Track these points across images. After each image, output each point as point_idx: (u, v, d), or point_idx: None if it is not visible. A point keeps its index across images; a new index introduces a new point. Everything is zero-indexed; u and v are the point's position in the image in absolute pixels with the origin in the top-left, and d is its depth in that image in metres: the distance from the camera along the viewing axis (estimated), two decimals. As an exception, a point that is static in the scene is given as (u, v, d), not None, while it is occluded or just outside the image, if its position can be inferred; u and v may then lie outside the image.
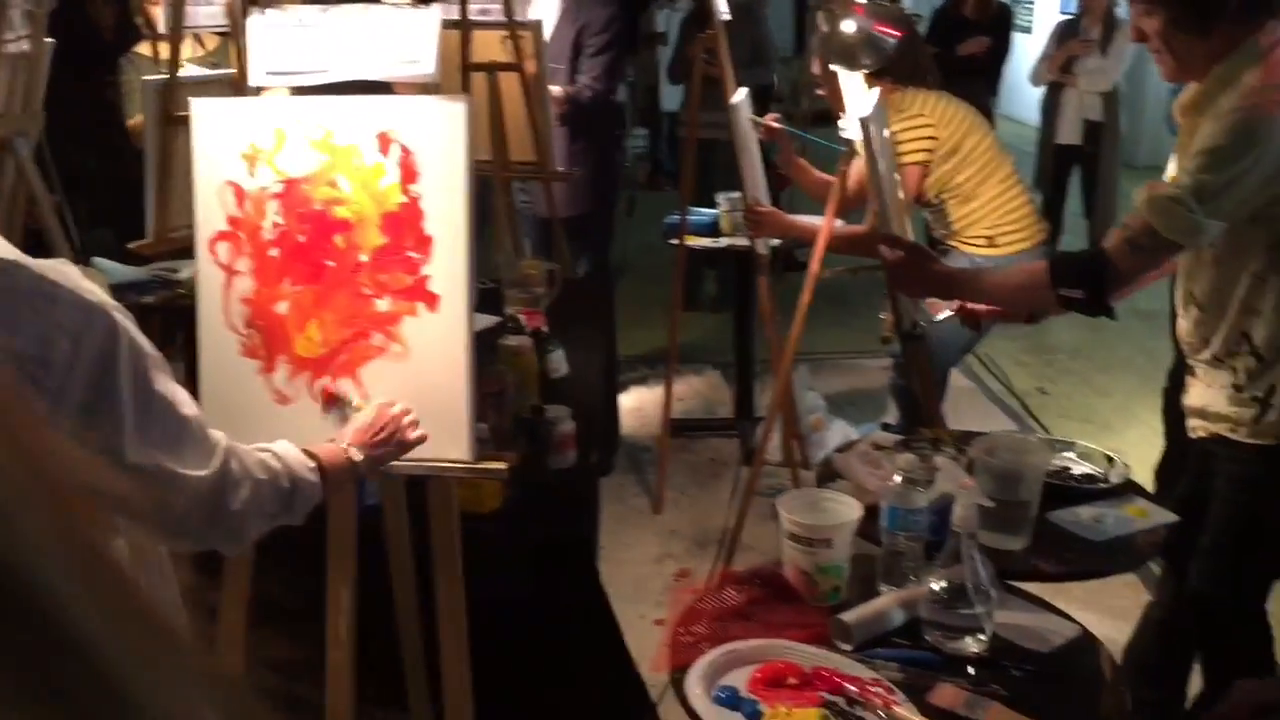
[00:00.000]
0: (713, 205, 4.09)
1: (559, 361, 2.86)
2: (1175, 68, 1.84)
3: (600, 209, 4.53)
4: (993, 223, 3.04)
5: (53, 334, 1.01)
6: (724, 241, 3.86)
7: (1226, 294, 1.86)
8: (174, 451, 1.14)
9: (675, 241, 3.70)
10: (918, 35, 3.39)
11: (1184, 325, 1.98)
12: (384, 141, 1.63)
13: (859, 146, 2.19)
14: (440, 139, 1.61)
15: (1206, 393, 1.95)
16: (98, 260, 3.40)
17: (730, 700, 1.40)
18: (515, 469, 2.13)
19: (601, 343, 3.30)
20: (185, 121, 1.71)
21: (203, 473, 1.17)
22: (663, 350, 4.80)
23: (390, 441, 1.54)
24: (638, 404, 4.49)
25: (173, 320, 2.98)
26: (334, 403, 1.68)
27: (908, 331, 2.22)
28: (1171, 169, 1.90)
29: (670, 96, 6.85)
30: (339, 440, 1.49)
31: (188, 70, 3.30)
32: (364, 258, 1.65)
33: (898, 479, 1.65)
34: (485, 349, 2.66)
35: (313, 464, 1.35)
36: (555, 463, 2.28)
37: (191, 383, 1.71)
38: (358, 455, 1.47)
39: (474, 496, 2.07)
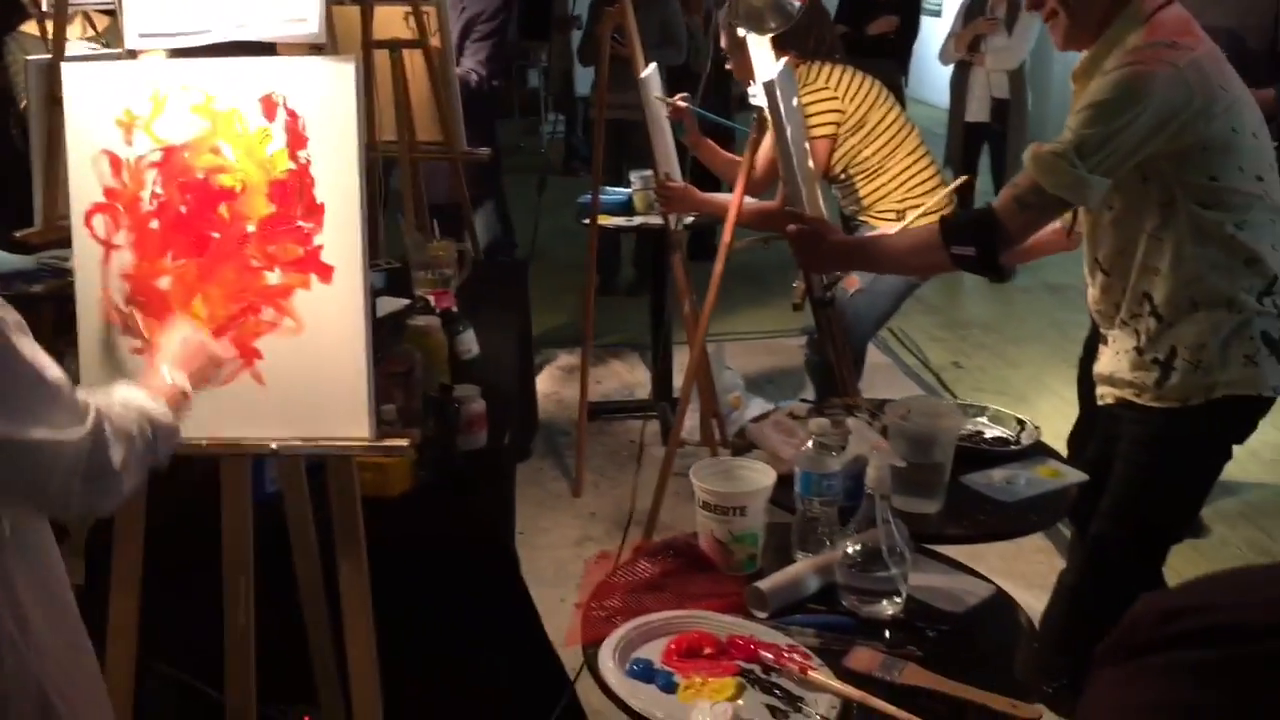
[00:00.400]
0: (626, 185, 4.05)
1: (470, 342, 2.79)
2: (1068, 30, 1.85)
3: (488, 195, 4.52)
4: (901, 196, 3.06)
5: None
6: (637, 220, 3.82)
7: (1127, 256, 1.88)
8: (43, 419, 1.11)
9: (588, 222, 3.65)
10: (823, 9, 3.39)
11: (1093, 294, 2.00)
12: (268, 105, 1.55)
13: (767, 113, 2.17)
14: (329, 101, 1.54)
15: (1114, 359, 1.96)
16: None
17: (644, 672, 1.36)
18: (424, 450, 2.08)
19: (515, 325, 3.24)
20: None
21: (77, 436, 1.15)
22: (579, 334, 4.76)
23: (199, 355, 1.50)
24: (554, 388, 4.44)
25: (64, 310, 2.83)
26: None
27: (819, 298, 2.21)
28: None
29: (584, 81, 6.79)
30: (154, 364, 1.45)
31: (75, 49, 3.14)
32: (251, 228, 1.57)
33: (811, 444, 1.63)
34: (393, 330, 2.59)
35: (162, 405, 1.34)
36: (466, 444, 2.21)
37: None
38: (182, 380, 1.44)
39: (380, 480, 2.00)
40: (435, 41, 3.49)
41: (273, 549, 1.76)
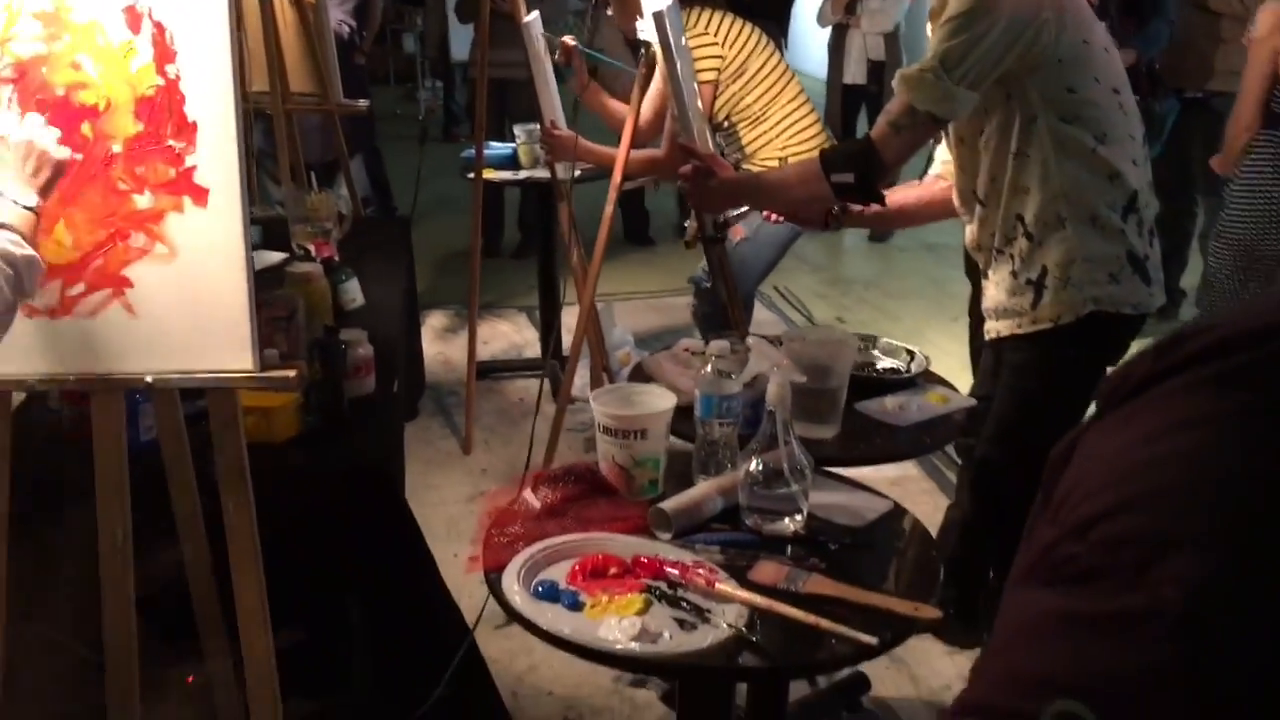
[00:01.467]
0: (511, 141, 3.98)
1: (354, 292, 2.70)
2: None
3: (359, 150, 4.43)
4: (783, 144, 3.08)
5: None
6: (523, 174, 3.76)
7: (999, 181, 1.93)
8: None
9: (472, 177, 3.57)
10: None
11: (971, 231, 2.05)
12: (133, 16, 1.45)
13: (656, 47, 2.14)
14: (199, 13, 1.45)
15: (995, 292, 2.02)
16: None
17: (549, 593, 1.33)
18: (310, 394, 2.00)
19: (400, 280, 3.15)
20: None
21: None
22: (463, 295, 4.67)
23: (43, 166, 1.40)
24: (440, 349, 4.35)
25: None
26: None
27: (711, 236, 2.21)
28: None
29: (462, 43, 6.63)
30: (7, 195, 1.37)
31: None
32: (116, 148, 1.48)
33: (709, 368, 1.62)
34: (272, 282, 2.49)
35: (16, 237, 1.30)
36: (353, 390, 2.14)
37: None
38: (32, 200, 1.38)
39: (265, 425, 1.92)
40: (308, -10, 3.36)
41: (151, 502, 1.67)
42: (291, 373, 1.55)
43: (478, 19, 3.47)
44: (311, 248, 2.75)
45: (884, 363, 2.11)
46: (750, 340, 1.77)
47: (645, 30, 2.20)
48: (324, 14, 3.51)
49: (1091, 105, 1.86)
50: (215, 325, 1.52)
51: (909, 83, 1.81)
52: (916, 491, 3.20)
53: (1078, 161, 1.86)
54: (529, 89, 3.33)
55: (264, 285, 2.40)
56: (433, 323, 4.58)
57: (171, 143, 1.48)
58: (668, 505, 1.50)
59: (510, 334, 4.58)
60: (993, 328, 2.06)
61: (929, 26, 1.95)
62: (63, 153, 1.42)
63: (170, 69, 1.46)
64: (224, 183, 1.49)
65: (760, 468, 1.50)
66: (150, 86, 1.46)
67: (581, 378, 3.66)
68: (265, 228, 3.09)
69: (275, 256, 2.90)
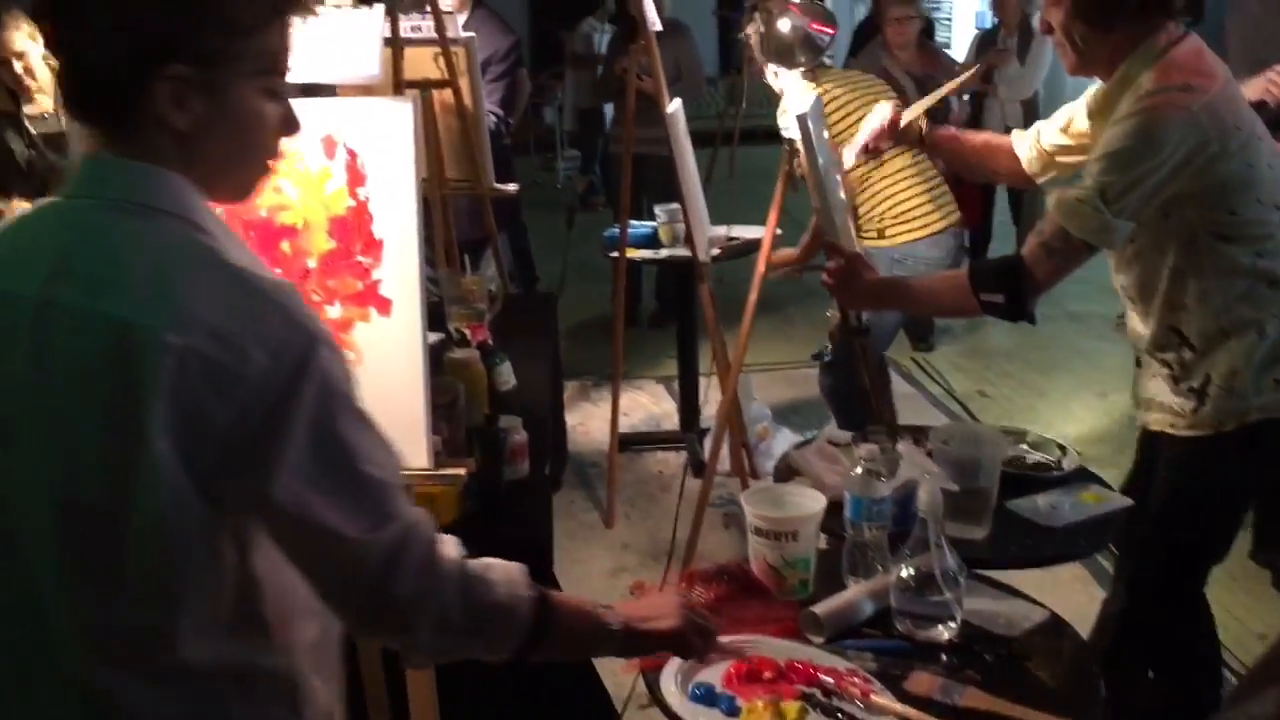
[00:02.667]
0: (648, 219, 4.09)
1: (507, 374, 2.81)
2: (1076, 61, 1.88)
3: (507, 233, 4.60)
4: (880, 214, 3.11)
5: (253, 346, 0.96)
6: (664, 252, 3.86)
7: (1151, 289, 1.91)
8: (336, 506, 1.00)
9: (615, 255, 3.69)
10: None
11: (1126, 312, 2.03)
12: (329, 145, 1.59)
13: (799, 145, 2.21)
14: (387, 140, 1.58)
15: (1150, 384, 1.99)
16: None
17: (706, 696, 1.37)
18: (470, 480, 2.11)
19: (546, 356, 3.27)
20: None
21: (368, 537, 1.02)
22: (605, 366, 4.78)
23: (657, 625, 1.32)
24: (582, 420, 4.46)
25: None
26: None
27: (854, 327, 2.24)
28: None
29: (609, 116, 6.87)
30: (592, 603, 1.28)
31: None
32: (312, 264, 1.61)
33: (859, 469, 1.65)
34: (431, 363, 2.62)
35: (530, 592, 1.15)
36: (510, 474, 2.24)
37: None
38: (615, 623, 1.25)
39: (430, 509, 2.01)
40: (464, 83, 3.55)
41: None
42: (462, 470, 1.66)
43: (620, 98, 3.62)
44: (467, 331, 2.89)
45: (1034, 457, 2.10)
46: (900, 447, 1.80)
47: (788, 129, 2.26)
48: (479, 103, 3.70)
49: (1253, 224, 1.82)
50: (395, 425, 1.61)
51: (1065, 209, 1.80)
52: (1070, 579, 3.12)
53: (1239, 277, 1.83)
54: (668, 164, 3.44)
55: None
56: (573, 391, 4.70)
57: (360, 258, 1.61)
58: (820, 609, 1.53)
59: (649, 405, 4.66)
60: (1149, 419, 2.02)
61: (1080, 109, 1.94)
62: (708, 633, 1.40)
63: (360, 191, 1.60)
64: (406, 294, 1.61)
65: (912, 573, 1.51)
66: (343, 208, 1.60)
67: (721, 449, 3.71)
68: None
69: (433, 337, 3.05)
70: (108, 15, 0.99)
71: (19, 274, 1.01)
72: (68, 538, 0.99)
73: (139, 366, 0.95)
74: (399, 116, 1.58)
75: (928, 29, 5.49)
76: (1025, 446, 2.13)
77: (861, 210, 3.12)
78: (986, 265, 2.00)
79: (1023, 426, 4.06)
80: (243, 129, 1.06)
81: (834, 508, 1.72)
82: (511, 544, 2.14)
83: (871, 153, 2.11)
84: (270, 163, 1.13)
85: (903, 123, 2.12)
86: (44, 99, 3.41)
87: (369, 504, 1.03)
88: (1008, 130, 6.02)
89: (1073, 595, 3.04)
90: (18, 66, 3.30)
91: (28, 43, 3.32)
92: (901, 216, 3.08)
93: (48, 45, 1.04)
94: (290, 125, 1.12)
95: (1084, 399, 4.51)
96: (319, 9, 1.63)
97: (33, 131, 3.39)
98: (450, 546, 1.13)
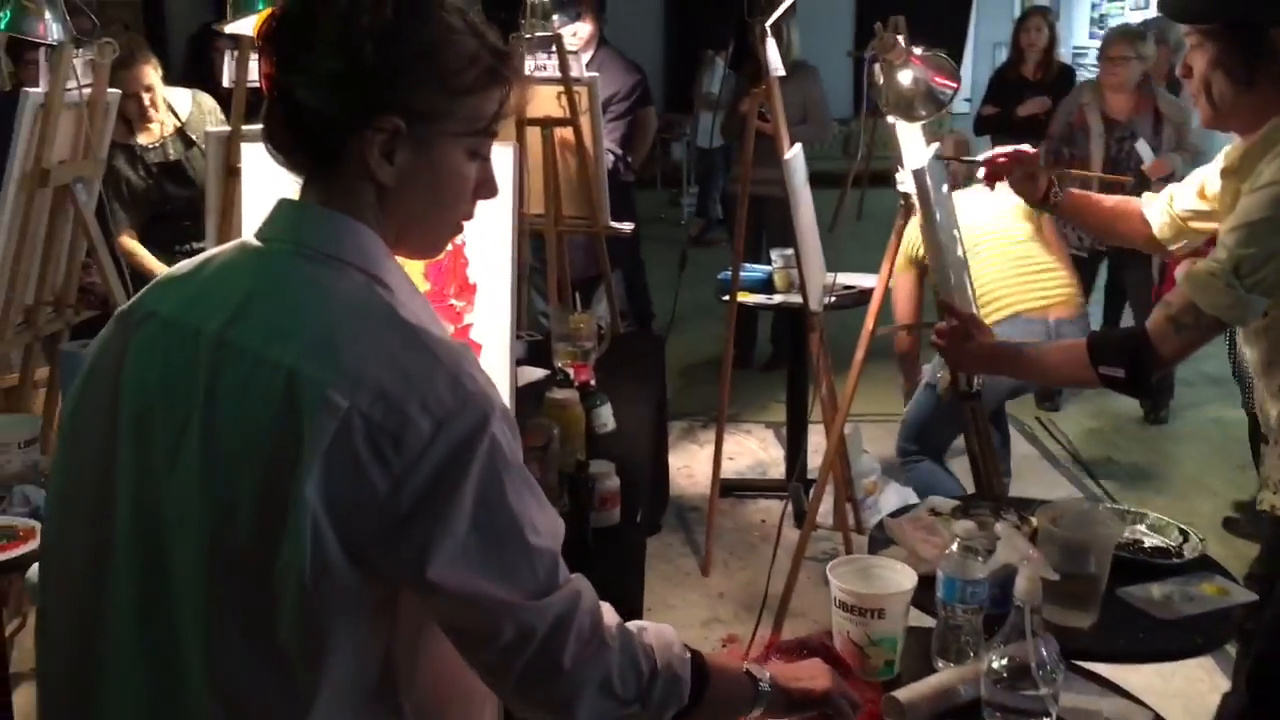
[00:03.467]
0: (765, 260, 4.05)
1: (606, 416, 2.80)
2: (1212, 115, 1.76)
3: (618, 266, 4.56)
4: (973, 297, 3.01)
5: (418, 413, 0.94)
6: (777, 298, 3.80)
7: (1276, 367, 1.77)
8: (500, 579, 0.98)
9: (727, 298, 3.66)
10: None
11: (1256, 392, 1.89)
12: (430, 188, 1.60)
13: (915, 200, 2.14)
14: (487, 187, 1.58)
15: (1274, 465, 1.85)
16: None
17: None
18: (557, 525, 2.09)
19: (651, 398, 3.25)
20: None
21: (535, 604, 1.00)
22: (713, 408, 4.74)
23: (809, 690, 1.27)
24: (687, 462, 4.42)
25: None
26: None
27: (965, 391, 2.14)
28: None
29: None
30: (766, 667, 1.25)
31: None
32: (407, 304, 1.62)
33: (955, 547, 1.56)
34: (532, 401, 2.63)
35: (686, 655, 1.12)
36: (598, 521, 2.22)
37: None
38: (764, 682, 1.21)
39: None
40: (585, 122, 3.58)
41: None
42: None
43: (741, 138, 3.59)
44: (570, 370, 2.89)
45: (1152, 541, 1.96)
46: (1000, 528, 1.70)
47: (904, 183, 2.19)
48: (599, 142, 3.73)
49: None
50: (477, 470, 1.62)
51: (1196, 283, 1.69)
52: (1190, 665, 2.92)
53: None
54: (787, 206, 3.39)
55: (524, 401, 2.55)
56: (679, 432, 4.67)
57: (453, 301, 1.61)
58: (903, 695, 1.45)
59: (756, 450, 4.59)
60: (1276, 501, 1.87)
61: (1217, 172, 1.83)
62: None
63: (457, 237, 1.60)
64: (496, 339, 1.61)
65: (1005, 663, 1.42)
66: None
67: (825, 502, 3.61)
68: (530, 343, 3.28)
69: (537, 373, 3.07)
70: (332, 63, 0.99)
71: (206, 311, 1.02)
72: (214, 578, 0.98)
73: (301, 420, 0.93)
74: (500, 162, 1.58)
75: (1171, 80, 5.19)
76: (1143, 529, 2.00)
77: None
78: (1107, 338, 1.89)
79: (1149, 496, 3.87)
80: (443, 187, 1.06)
81: (928, 582, 1.64)
82: (597, 592, 2.12)
83: (990, 176, 2.01)
84: (463, 222, 1.13)
85: (1040, 179, 2.02)
86: (155, 128, 3.57)
87: (534, 574, 1.00)
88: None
89: (1194, 684, 2.85)
90: (145, 99, 3.47)
91: (154, 76, 3.50)
92: (990, 297, 3.00)
93: (265, 83, 1.04)
94: (489, 188, 1.12)
95: (1222, 471, 4.25)
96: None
97: (146, 161, 3.55)
98: (610, 613, 1.10)
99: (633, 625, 1.11)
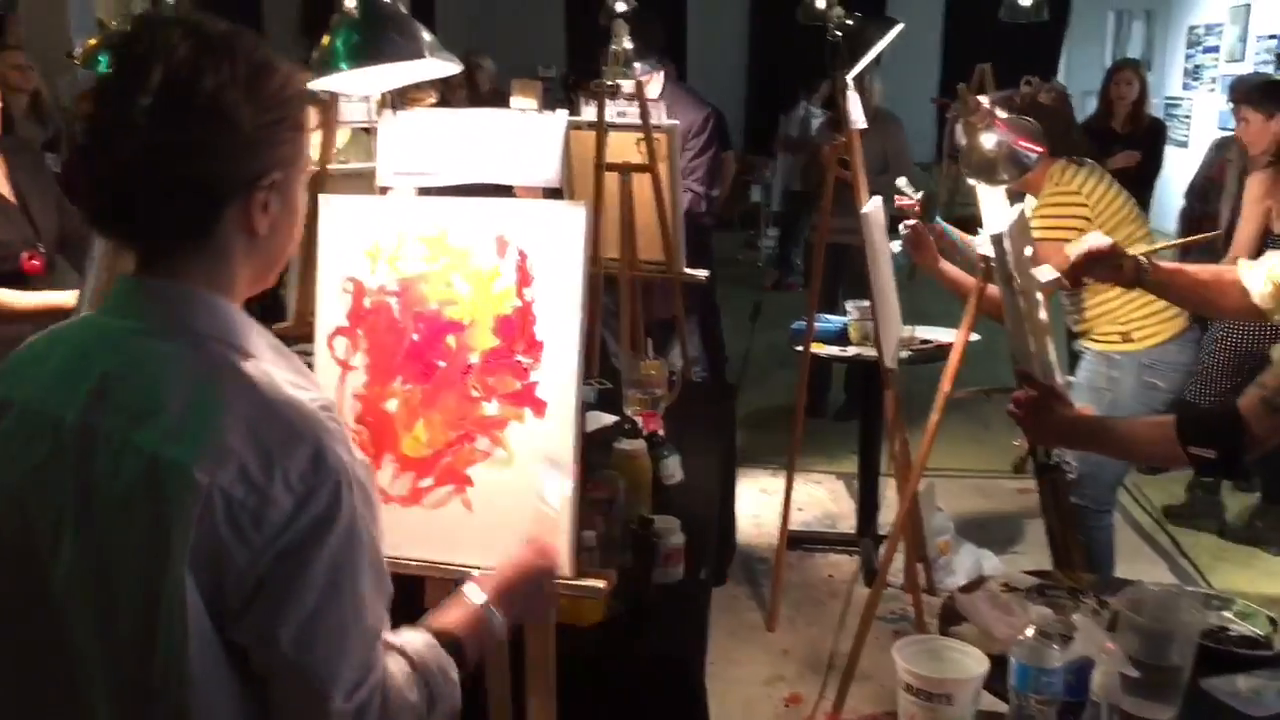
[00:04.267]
0: (840, 309, 4.00)
1: (674, 468, 2.78)
2: None
3: (698, 314, 4.54)
4: (1128, 316, 2.91)
5: (280, 490, 0.96)
6: (851, 350, 3.75)
7: None
8: (329, 661, 1.01)
9: (800, 348, 3.61)
10: (1069, 105, 3.28)
11: None
12: (501, 244, 1.61)
13: (994, 265, 2.08)
14: (558, 244, 1.58)
15: None
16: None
17: None
18: (620, 581, 2.06)
19: (721, 449, 3.21)
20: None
21: (347, 705, 1.02)
22: (783, 456, 4.67)
23: (531, 602, 1.41)
24: (755, 511, 4.36)
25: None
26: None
27: (1043, 463, 2.07)
28: None
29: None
30: (484, 589, 1.33)
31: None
32: (474, 359, 1.62)
33: (1031, 633, 1.50)
34: (599, 449, 2.61)
35: (455, 671, 1.18)
36: (662, 577, 2.19)
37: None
38: (498, 620, 1.32)
39: (574, 608, 1.99)
40: (664, 169, 3.58)
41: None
42: (601, 584, 1.61)
43: (820, 187, 3.57)
44: (639, 419, 2.87)
45: (1239, 630, 1.87)
46: (1076, 619, 1.63)
47: (983, 245, 2.14)
48: (677, 189, 3.72)
49: None
50: (540, 527, 1.61)
51: None
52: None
53: None
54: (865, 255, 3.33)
55: (591, 448, 2.54)
56: (747, 480, 4.61)
57: (520, 358, 1.61)
58: (970, 785, 1.39)
59: (826, 502, 4.52)
60: None
61: None
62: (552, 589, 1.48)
63: (527, 293, 1.60)
64: (562, 397, 1.59)
65: (1079, 759, 1.36)
66: (509, 307, 1.61)
67: (895, 560, 3.53)
68: (599, 391, 3.27)
69: (606, 419, 3.05)
70: (212, 134, 0.99)
71: (61, 396, 1.02)
72: (107, 659, 1.01)
73: (168, 502, 0.96)
74: (572, 221, 1.58)
75: None
76: (1230, 615, 1.90)
77: (1095, 313, 2.94)
78: (1198, 416, 1.81)
79: (1240, 571, 3.69)
80: (295, 219, 1.11)
81: (1001, 661, 1.57)
82: (656, 653, 2.09)
83: (1074, 281, 1.96)
84: None
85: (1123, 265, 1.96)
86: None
87: (357, 661, 1.03)
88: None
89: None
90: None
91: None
92: (1154, 315, 2.88)
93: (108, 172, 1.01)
94: (304, 208, 1.15)
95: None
96: (506, 111, 1.66)
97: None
98: (395, 661, 1.11)
99: (404, 658, 1.13)
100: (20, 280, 2.65)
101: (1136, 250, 2.60)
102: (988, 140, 1.97)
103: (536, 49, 10.20)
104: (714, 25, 11.21)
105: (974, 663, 1.52)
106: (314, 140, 1.14)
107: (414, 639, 1.17)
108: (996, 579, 1.95)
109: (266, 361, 1.04)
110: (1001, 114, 2.02)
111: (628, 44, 3.44)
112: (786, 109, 8.76)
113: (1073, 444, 1.97)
